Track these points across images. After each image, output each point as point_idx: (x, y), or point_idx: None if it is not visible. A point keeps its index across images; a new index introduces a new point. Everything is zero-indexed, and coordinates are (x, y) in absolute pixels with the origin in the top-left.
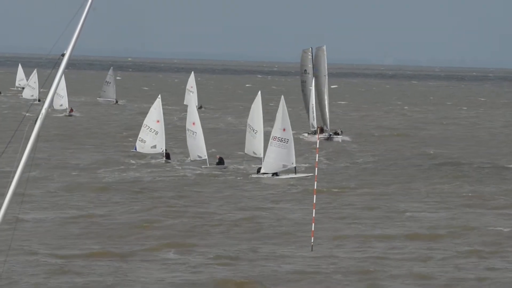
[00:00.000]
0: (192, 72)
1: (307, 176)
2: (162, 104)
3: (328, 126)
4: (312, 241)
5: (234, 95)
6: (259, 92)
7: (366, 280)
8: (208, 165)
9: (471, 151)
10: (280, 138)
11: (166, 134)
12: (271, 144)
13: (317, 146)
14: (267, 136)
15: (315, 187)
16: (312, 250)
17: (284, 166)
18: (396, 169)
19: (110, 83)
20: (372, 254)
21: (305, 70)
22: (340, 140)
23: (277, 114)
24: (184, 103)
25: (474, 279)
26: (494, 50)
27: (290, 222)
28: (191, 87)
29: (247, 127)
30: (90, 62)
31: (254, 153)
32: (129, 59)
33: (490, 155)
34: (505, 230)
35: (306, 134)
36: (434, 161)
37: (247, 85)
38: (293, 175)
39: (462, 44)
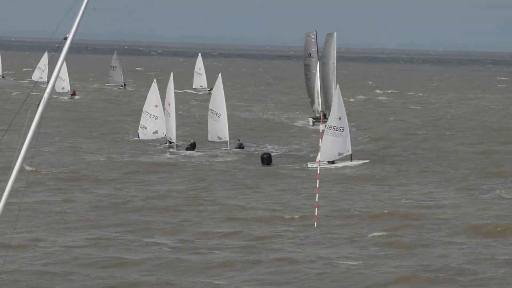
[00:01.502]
0: (199, 54)
1: (363, 162)
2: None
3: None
4: (315, 225)
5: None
6: (219, 75)
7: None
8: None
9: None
10: (335, 127)
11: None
12: (326, 133)
13: (321, 130)
14: (232, 118)
15: (318, 172)
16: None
17: (339, 154)
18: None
19: (115, 67)
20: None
21: (309, 53)
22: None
23: (333, 103)
24: (193, 86)
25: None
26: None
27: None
28: (199, 69)
29: (209, 112)
30: (95, 46)
31: (219, 137)
32: (125, 45)
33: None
34: None
35: (310, 120)
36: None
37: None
38: (349, 162)
39: (464, 29)
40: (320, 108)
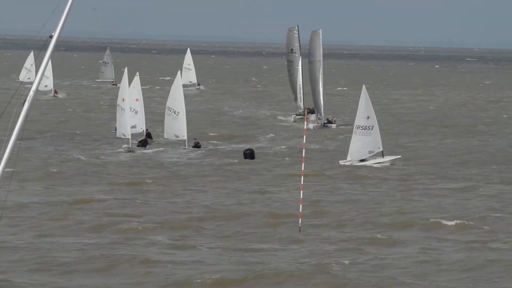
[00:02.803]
0: (188, 49)
1: (395, 158)
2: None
3: (323, 115)
4: (300, 222)
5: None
6: (178, 73)
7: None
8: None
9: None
10: (364, 127)
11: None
12: (355, 133)
13: (305, 127)
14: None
15: (303, 169)
16: (300, 232)
17: (370, 152)
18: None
19: (108, 63)
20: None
21: (292, 49)
22: (334, 127)
23: (360, 103)
24: (182, 83)
25: None
26: (481, 32)
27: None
28: (188, 64)
29: (166, 110)
30: (80, 44)
31: (176, 136)
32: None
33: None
34: None
35: (293, 116)
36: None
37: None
38: (381, 159)
39: (450, 26)
40: (302, 105)
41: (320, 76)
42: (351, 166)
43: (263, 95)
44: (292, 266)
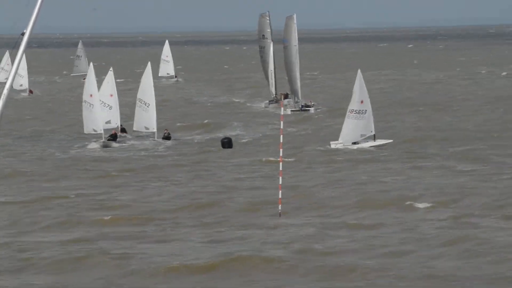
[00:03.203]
0: (167, 41)
1: (386, 142)
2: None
3: (300, 98)
4: (279, 208)
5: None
6: (149, 64)
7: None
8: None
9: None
10: (357, 111)
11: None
12: (348, 117)
13: (282, 113)
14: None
15: (281, 154)
16: (280, 216)
17: (362, 135)
18: None
19: (81, 57)
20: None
21: (263, 35)
22: (312, 112)
23: (354, 87)
24: (159, 74)
25: None
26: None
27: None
28: (166, 56)
29: (137, 102)
30: (51, 41)
31: (146, 128)
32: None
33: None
34: None
35: (264, 103)
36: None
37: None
38: (373, 142)
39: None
40: (273, 90)
41: (297, 60)
42: (328, 149)
43: (236, 82)
44: (272, 251)
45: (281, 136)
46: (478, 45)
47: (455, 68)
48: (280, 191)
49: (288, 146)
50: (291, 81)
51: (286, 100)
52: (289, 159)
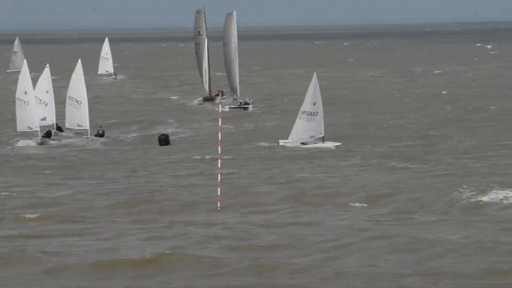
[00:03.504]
0: (106, 39)
1: (335, 145)
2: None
3: (238, 95)
4: (219, 205)
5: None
6: (79, 61)
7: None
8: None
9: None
10: (309, 112)
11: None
12: (299, 118)
13: (220, 110)
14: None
15: (219, 152)
16: (218, 212)
17: (311, 137)
18: None
19: (17, 53)
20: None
21: (199, 31)
22: (251, 109)
23: (308, 89)
24: (99, 72)
25: None
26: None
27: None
28: (106, 54)
29: (67, 99)
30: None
31: (79, 125)
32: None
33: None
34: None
35: (198, 100)
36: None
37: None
38: (321, 144)
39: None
40: (207, 88)
41: (236, 57)
42: (267, 147)
43: (172, 79)
44: (207, 248)
45: (220, 133)
46: (413, 43)
47: (390, 66)
48: (219, 188)
49: (227, 143)
50: (230, 78)
51: (217, 97)
52: (228, 156)
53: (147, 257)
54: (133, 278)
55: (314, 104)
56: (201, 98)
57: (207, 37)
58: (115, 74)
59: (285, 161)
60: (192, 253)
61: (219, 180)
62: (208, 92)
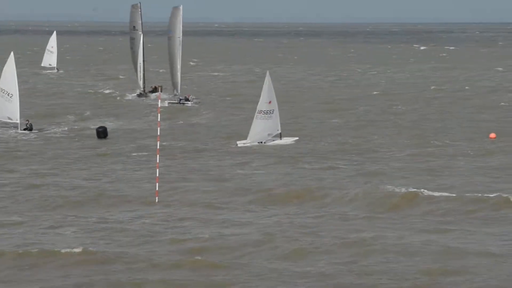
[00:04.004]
0: (55, 32)
1: (292, 140)
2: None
3: (179, 91)
4: (156, 200)
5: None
6: (11, 54)
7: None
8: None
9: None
10: (265, 111)
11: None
12: (256, 117)
13: (159, 105)
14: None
15: (158, 147)
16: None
17: (269, 135)
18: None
19: None
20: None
21: (134, 26)
22: (190, 105)
23: (263, 88)
24: (42, 64)
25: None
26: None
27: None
28: (52, 47)
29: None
30: None
31: (9, 118)
32: None
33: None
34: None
35: (132, 95)
36: None
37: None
38: (279, 141)
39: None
40: (141, 83)
41: (179, 52)
42: (207, 143)
43: (109, 74)
44: (147, 244)
45: (159, 128)
46: (355, 42)
47: (327, 64)
48: (157, 183)
49: (166, 138)
50: (172, 73)
51: (153, 94)
52: (167, 151)
53: (76, 251)
54: (63, 269)
55: (270, 102)
56: (135, 94)
57: (142, 32)
58: (57, 69)
59: (222, 156)
60: (127, 250)
61: (157, 175)
62: (142, 88)
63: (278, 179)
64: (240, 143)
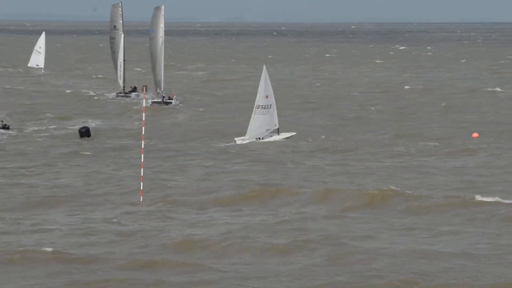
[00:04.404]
0: (44, 33)
1: (290, 135)
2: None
3: (162, 90)
4: (141, 199)
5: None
6: None
7: None
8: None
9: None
10: (263, 106)
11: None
12: (254, 112)
13: (144, 104)
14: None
15: (143, 146)
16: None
17: (267, 130)
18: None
19: None
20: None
21: (115, 26)
22: (173, 104)
23: (260, 83)
24: (29, 65)
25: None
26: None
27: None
28: (40, 47)
29: None
30: None
31: None
32: None
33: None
34: None
35: (112, 95)
36: None
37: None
38: (277, 136)
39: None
40: (121, 82)
41: (162, 52)
42: (191, 142)
43: (91, 73)
44: (133, 242)
45: (143, 128)
46: (340, 42)
47: (309, 63)
48: (142, 183)
49: (151, 137)
50: (154, 72)
51: (134, 94)
52: (151, 151)
53: (49, 250)
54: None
55: (267, 97)
56: (115, 93)
57: (123, 32)
58: (44, 70)
59: (206, 155)
60: (116, 249)
61: (142, 174)
62: (122, 88)
63: (261, 178)
64: (238, 140)
